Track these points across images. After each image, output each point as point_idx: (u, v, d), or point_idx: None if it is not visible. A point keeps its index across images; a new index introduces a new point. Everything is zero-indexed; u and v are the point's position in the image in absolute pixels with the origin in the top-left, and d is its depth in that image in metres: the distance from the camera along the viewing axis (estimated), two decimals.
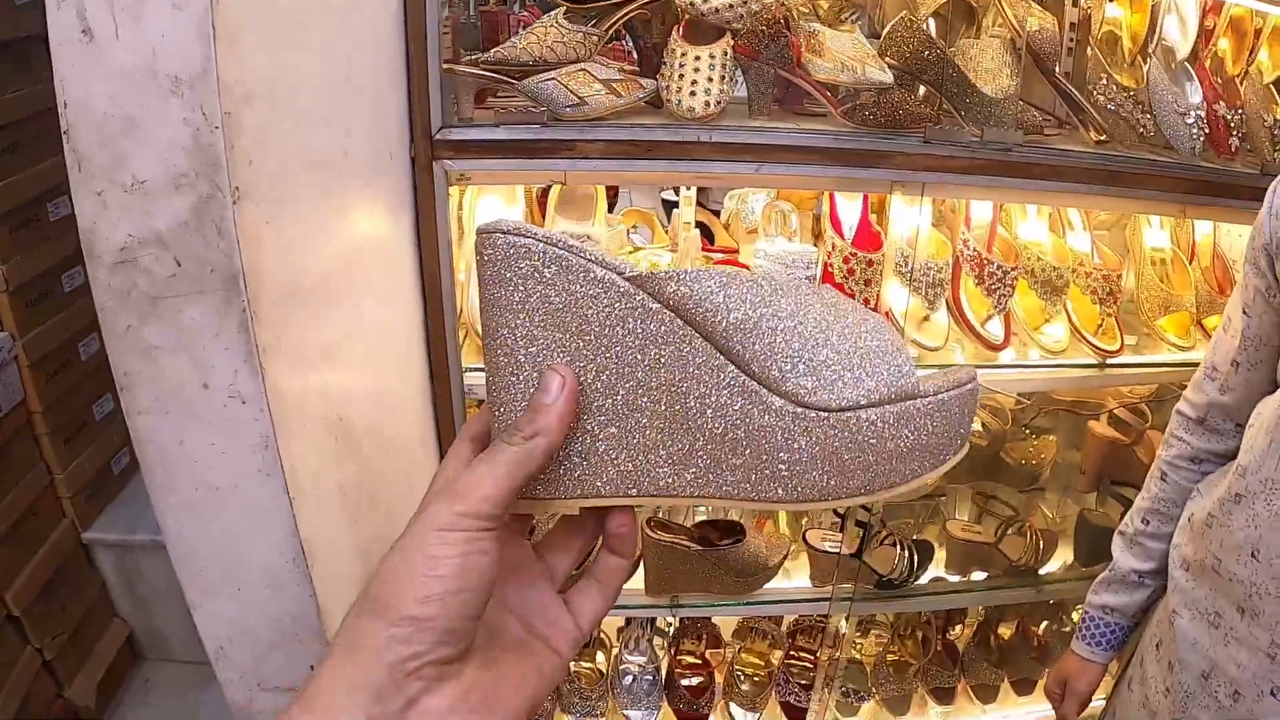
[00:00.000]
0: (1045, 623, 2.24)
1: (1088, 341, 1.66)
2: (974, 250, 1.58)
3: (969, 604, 2.15)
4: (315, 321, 0.99)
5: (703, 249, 1.67)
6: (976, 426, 1.99)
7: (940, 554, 1.99)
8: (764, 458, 0.49)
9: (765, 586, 1.86)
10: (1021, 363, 1.67)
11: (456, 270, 1.46)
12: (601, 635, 2.15)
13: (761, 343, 0.48)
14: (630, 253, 1.56)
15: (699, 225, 1.75)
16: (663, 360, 0.49)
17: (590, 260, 0.48)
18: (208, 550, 0.94)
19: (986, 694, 2.19)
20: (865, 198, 1.65)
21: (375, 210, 1.22)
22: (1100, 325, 1.68)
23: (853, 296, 1.54)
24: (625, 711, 2.07)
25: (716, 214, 1.92)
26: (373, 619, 0.44)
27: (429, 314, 1.40)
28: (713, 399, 0.49)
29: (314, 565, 0.94)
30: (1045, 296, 1.63)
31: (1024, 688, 2.21)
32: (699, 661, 2.15)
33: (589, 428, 0.50)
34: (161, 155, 0.81)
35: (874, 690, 2.16)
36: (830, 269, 1.57)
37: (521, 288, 0.48)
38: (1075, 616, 2.24)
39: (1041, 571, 1.98)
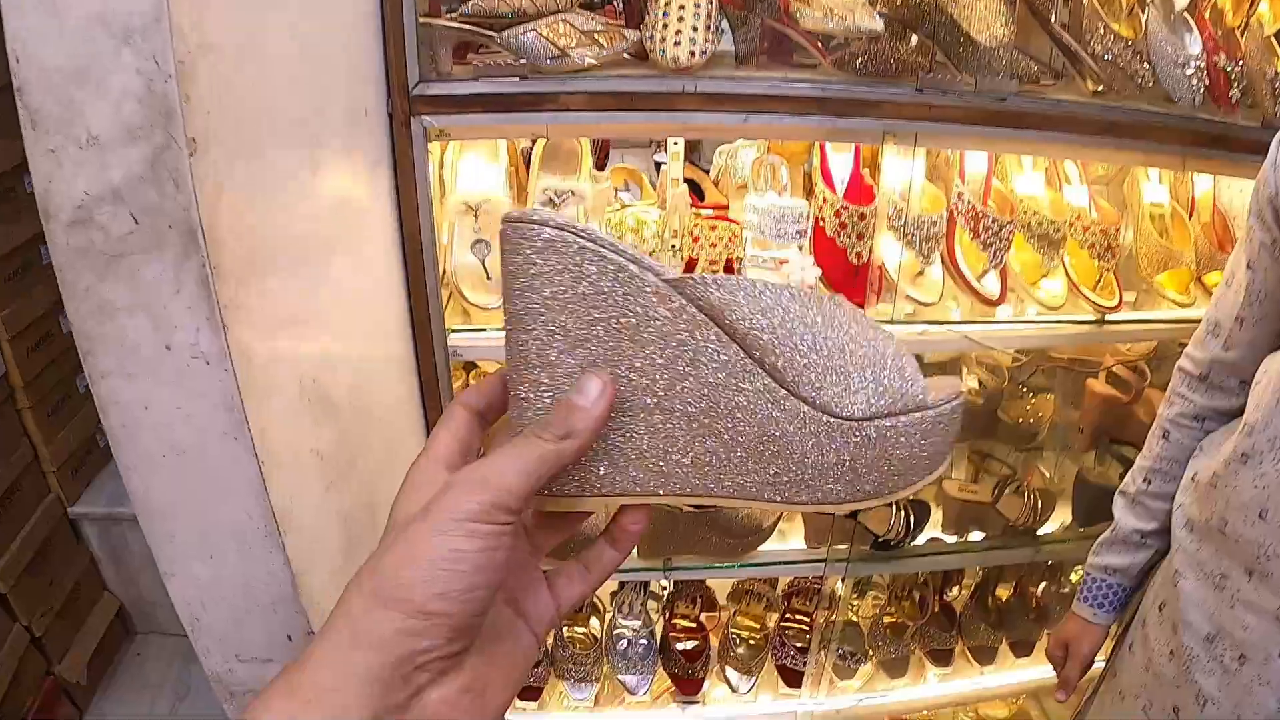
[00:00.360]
0: (1044, 584, 2.22)
1: (1085, 297, 1.63)
2: (969, 204, 1.54)
3: (966, 565, 2.13)
4: (285, 280, 0.95)
5: (692, 205, 1.63)
6: (973, 383, 1.96)
7: (937, 514, 1.97)
8: (788, 461, 0.50)
9: (760, 549, 1.83)
10: (1018, 319, 1.64)
11: (439, 231, 1.42)
12: (595, 600, 2.14)
13: (792, 351, 0.49)
14: (618, 209, 1.52)
15: (688, 182, 1.72)
16: (697, 363, 0.49)
17: (628, 259, 0.48)
18: (177, 517, 0.91)
19: (984, 656, 2.17)
20: (857, 151, 1.61)
21: (351, 167, 1.18)
22: (1098, 280, 1.65)
23: (844, 250, 1.51)
24: (620, 677, 2.05)
25: (707, 173, 1.88)
26: (385, 608, 0.43)
27: (410, 275, 1.37)
28: (743, 403, 0.50)
29: (287, 532, 0.91)
30: (1042, 251, 1.59)
31: (1022, 649, 2.19)
32: (694, 625, 2.14)
33: (620, 426, 0.51)
34: (115, 106, 0.77)
35: (871, 652, 2.14)
36: (821, 223, 1.54)
37: (555, 282, 0.48)
38: (1074, 577, 2.22)
39: (1039, 532, 1.96)
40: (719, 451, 0.51)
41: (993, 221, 1.52)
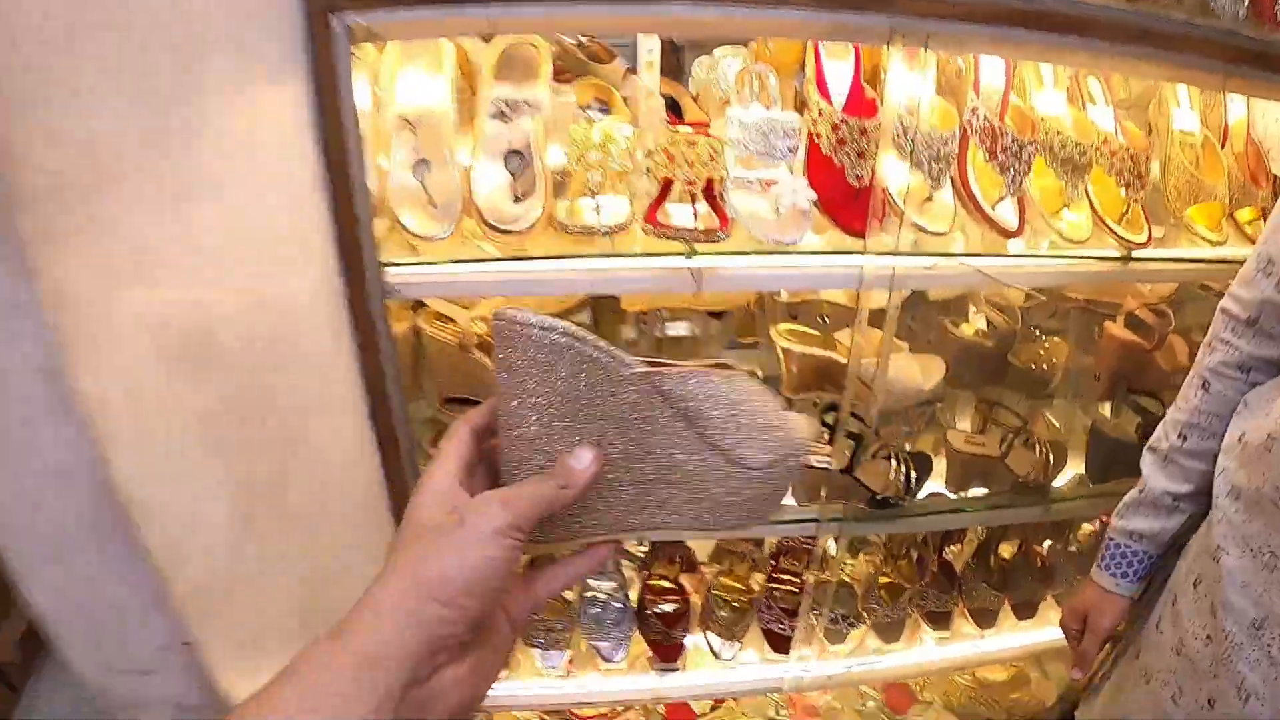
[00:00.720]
0: (1049, 541, 2.08)
1: (1112, 231, 1.44)
2: (985, 120, 1.34)
3: (970, 524, 1.97)
4: (141, 208, 0.76)
5: (670, 122, 1.43)
6: (981, 325, 1.78)
7: (939, 464, 1.80)
8: (715, 503, 0.64)
9: None
10: (1035, 253, 1.45)
11: (375, 151, 1.23)
12: None
13: (722, 424, 0.62)
14: (586, 125, 1.32)
15: (665, 99, 1.52)
16: (656, 433, 0.62)
17: (603, 353, 0.60)
18: (15, 509, 0.72)
19: (985, 618, 2.04)
20: (857, 58, 1.40)
21: (246, 71, 0.98)
22: (1124, 213, 1.46)
23: (842, 170, 1.31)
24: (593, 643, 1.91)
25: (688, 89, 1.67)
26: (427, 597, 0.52)
27: (339, 204, 1.17)
28: (686, 463, 0.63)
29: (147, 522, 0.72)
30: (1065, 177, 1.40)
31: (1025, 611, 2.07)
32: (673, 586, 1.98)
33: (599, 483, 0.63)
34: None
35: (865, 615, 1.99)
36: (816, 139, 1.33)
37: (541, 371, 0.60)
38: (1081, 533, 2.09)
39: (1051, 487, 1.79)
40: (666, 499, 0.64)
41: (1012, 141, 1.33)
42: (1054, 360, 1.77)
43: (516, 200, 1.26)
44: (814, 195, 1.28)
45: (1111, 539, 1.33)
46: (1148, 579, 1.32)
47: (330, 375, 1.21)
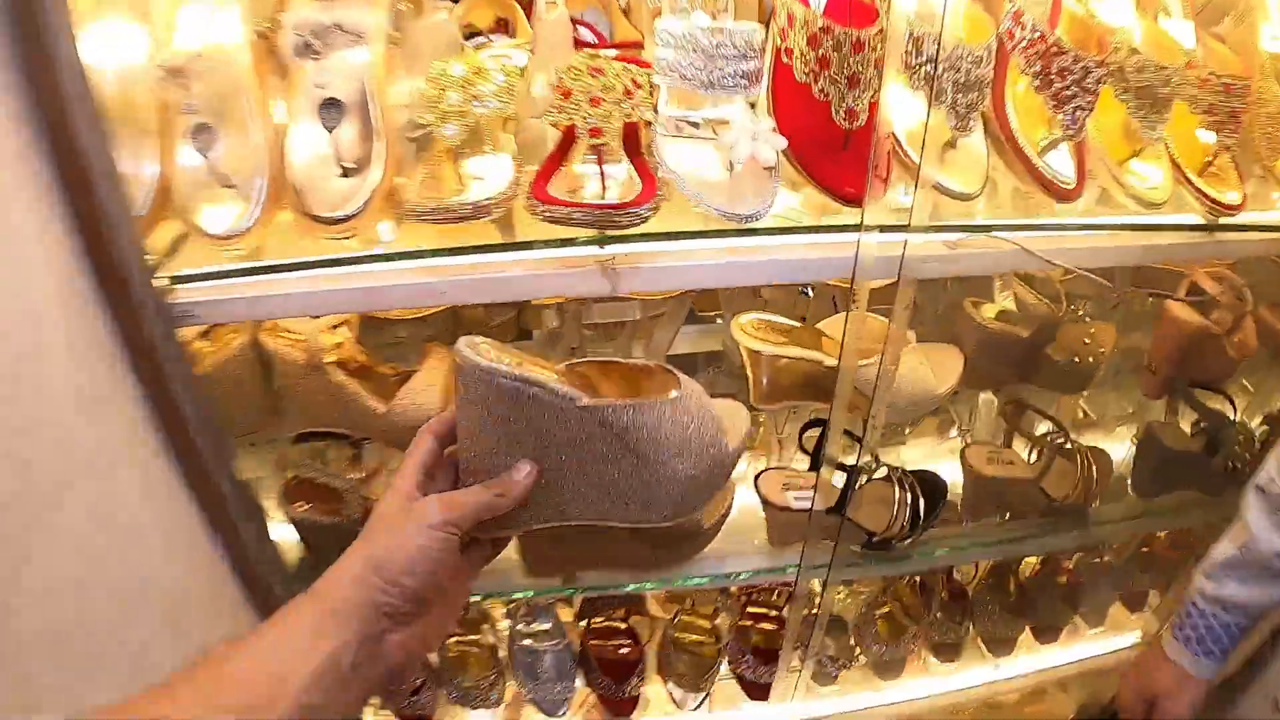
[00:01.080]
0: (1077, 554, 1.76)
1: (1199, 190, 1.07)
2: (1033, 30, 0.94)
3: (988, 558, 1.59)
4: None
5: (595, 46, 1.03)
6: (1009, 305, 1.45)
7: (953, 482, 1.41)
8: (643, 503, 0.74)
9: (704, 552, 1.30)
10: (1095, 221, 1.06)
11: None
12: (485, 606, 1.60)
13: (655, 445, 0.71)
14: (474, 51, 0.92)
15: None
16: (594, 453, 0.71)
17: (546, 390, 0.68)
18: None
19: (1000, 648, 1.75)
20: None
21: None
22: (1209, 164, 1.10)
23: (826, 105, 0.90)
24: (530, 699, 1.58)
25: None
26: (373, 572, 0.63)
27: (77, 203, 0.79)
28: (617, 474, 0.72)
29: None
30: (1141, 113, 1.00)
31: (1047, 635, 1.79)
32: (622, 629, 1.62)
33: (543, 488, 0.72)
34: None
35: (859, 652, 1.67)
36: (786, 60, 0.91)
37: (496, 404, 0.68)
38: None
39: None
40: (600, 501, 0.73)
41: (1073, 61, 0.92)
42: (1100, 350, 1.37)
43: (344, 172, 0.85)
44: (784, 142, 0.87)
45: (1195, 606, 1.08)
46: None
47: (83, 429, 0.82)
